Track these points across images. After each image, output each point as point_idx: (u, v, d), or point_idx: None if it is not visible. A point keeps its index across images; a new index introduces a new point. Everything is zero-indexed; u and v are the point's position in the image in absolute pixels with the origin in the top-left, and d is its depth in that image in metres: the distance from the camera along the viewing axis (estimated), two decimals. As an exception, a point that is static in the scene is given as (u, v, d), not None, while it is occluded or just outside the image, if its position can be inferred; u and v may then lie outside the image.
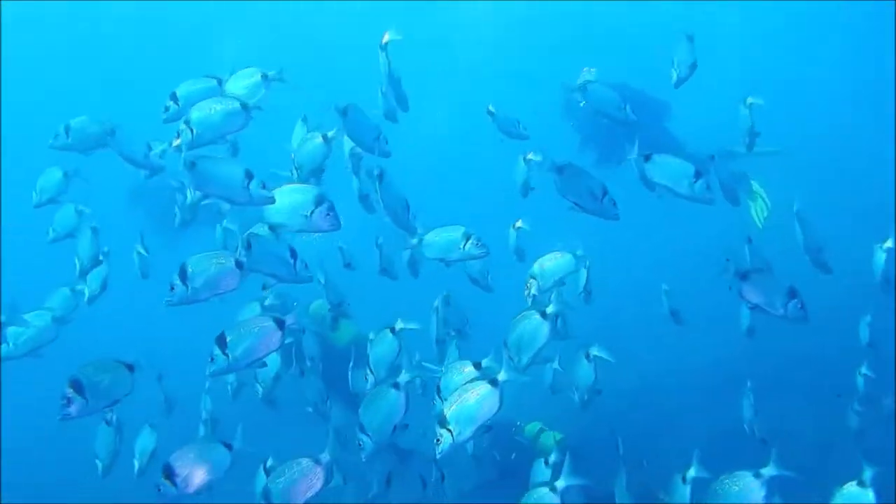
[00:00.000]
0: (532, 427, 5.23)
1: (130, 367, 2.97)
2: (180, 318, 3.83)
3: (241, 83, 3.54)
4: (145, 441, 4.08)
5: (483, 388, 2.82)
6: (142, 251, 4.66)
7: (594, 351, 3.75)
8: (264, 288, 3.34)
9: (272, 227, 3.15)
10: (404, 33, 3.85)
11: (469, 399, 2.80)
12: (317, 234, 3.24)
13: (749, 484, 2.87)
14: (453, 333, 4.10)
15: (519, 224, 4.38)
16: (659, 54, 4.57)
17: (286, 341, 3.15)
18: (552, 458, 3.23)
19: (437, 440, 2.80)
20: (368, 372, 3.58)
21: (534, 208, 4.37)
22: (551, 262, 3.90)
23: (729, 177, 4.33)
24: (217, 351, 2.93)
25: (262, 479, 3.31)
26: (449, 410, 2.79)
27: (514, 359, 3.08)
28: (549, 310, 3.12)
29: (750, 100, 4.32)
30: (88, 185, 4.33)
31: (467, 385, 2.85)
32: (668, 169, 3.40)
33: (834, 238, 3.98)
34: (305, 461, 2.96)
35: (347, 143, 3.87)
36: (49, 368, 3.83)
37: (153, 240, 5.12)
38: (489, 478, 4.89)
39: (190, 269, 2.95)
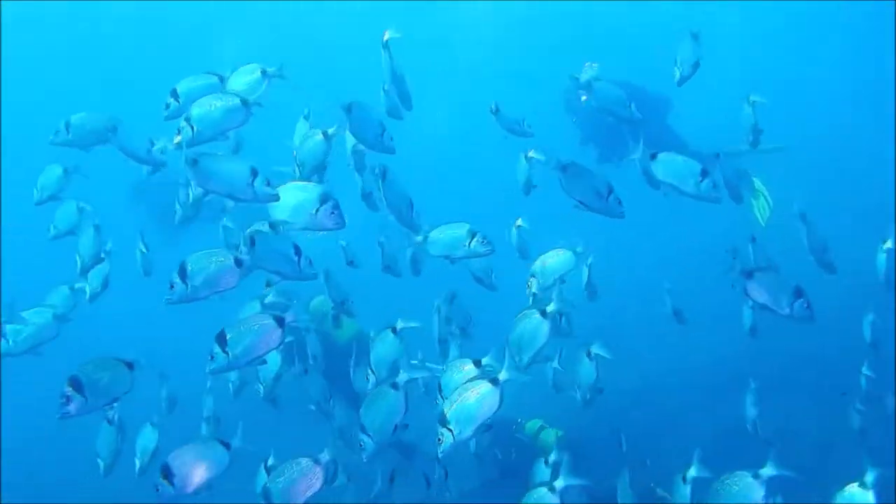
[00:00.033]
0: (532, 424, 5.23)
1: (130, 365, 2.96)
2: (182, 316, 3.82)
3: (241, 80, 3.53)
4: (147, 440, 4.06)
5: (483, 386, 2.81)
6: (142, 249, 4.65)
7: (594, 349, 3.74)
8: (268, 285, 3.33)
9: (272, 225, 3.13)
10: (404, 33, 3.84)
11: (469, 398, 2.80)
12: (320, 232, 3.23)
13: (748, 484, 2.86)
14: (457, 331, 4.09)
15: (519, 223, 4.37)
16: (659, 54, 4.57)
17: (287, 339, 3.14)
18: (552, 457, 3.22)
19: (439, 440, 2.79)
20: (370, 372, 3.57)
21: (536, 206, 4.37)
22: (552, 260, 3.90)
23: (733, 175, 4.31)
24: (217, 349, 2.92)
25: (263, 477, 3.31)
26: (449, 410, 2.79)
27: (516, 358, 3.07)
28: (549, 309, 3.11)
29: (753, 97, 4.32)
30: (88, 181, 4.31)
31: (467, 384, 2.84)
32: (674, 167, 3.35)
33: (834, 238, 3.97)
34: (305, 461, 2.96)
35: (350, 141, 3.86)
36: (50, 368, 3.81)
37: (155, 237, 5.11)
38: (490, 477, 4.88)
39: (189, 268, 2.94)
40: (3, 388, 6.29)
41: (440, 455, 2.84)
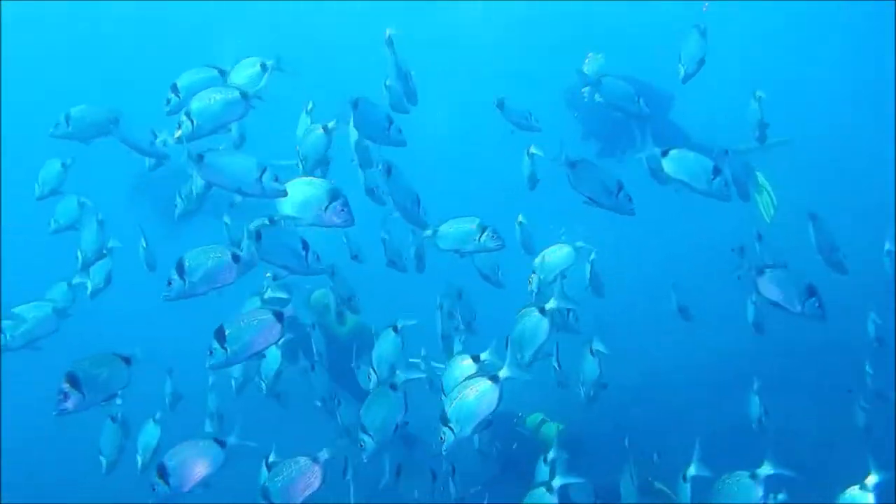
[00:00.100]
0: (533, 418, 5.21)
1: (127, 360, 2.95)
2: (185, 312, 3.80)
3: (241, 73, 3.52)
4: (149, 437, 4.03)
5: (483, 384, 2.80)
6: (143, 244, 4.63)
7: (595, 345, 3.72)
8: (274, 279, 3.31)
9: (272, 220, 3.11)
10: (404, 33, 3.83)
11: (469, 396, 2.79)
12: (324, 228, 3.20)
13: (747, 484, 2.85)
14: (462, 327, 4.07)
15: (520, 219, 4.36)
16: (659, 54, 4.56)
17: (289, 336, 3.11)
18: (550, 455, 3.20)
19: (441, 438, 2.79)
20: (371, 371, 3.55)
21: (539, 203, 4.36)
22: (552, 256, 3.89)
23: (741, 171, 4.29)
24: (216, 344, 2.90)
25: (265, 475, 3.29)
26: (449, 408, 2.78)
27: (517, 355, 3.04)
28: (549, 306, 3.09)
29: (759, 93, 4.31)
30: (89, 176, 4.29)
31: (467, 381, 2.83)
32: (685, 164, 3.30)
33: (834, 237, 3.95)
34: (303, 460, 2.94)
35: (353, 135, 3.83)
36: (51, 367, 3.79)
37: (158, 231, 5.07)
38: (493, 473, 4.86)
39: (187, 264, 2.92)
40: (3, 388, 6.28)
41: (444, 453, 2.83)
